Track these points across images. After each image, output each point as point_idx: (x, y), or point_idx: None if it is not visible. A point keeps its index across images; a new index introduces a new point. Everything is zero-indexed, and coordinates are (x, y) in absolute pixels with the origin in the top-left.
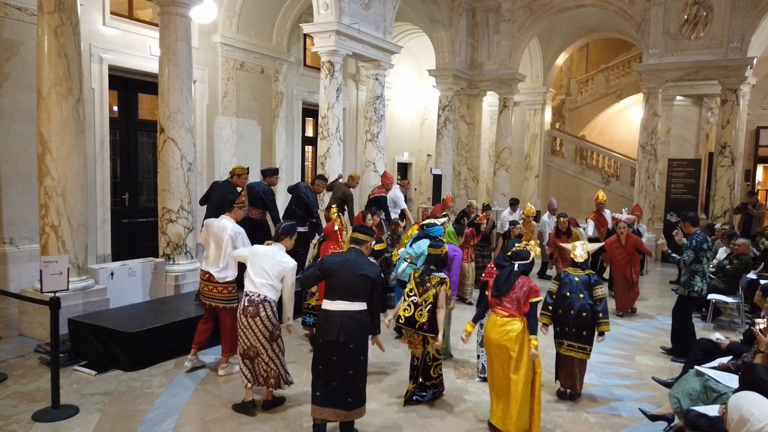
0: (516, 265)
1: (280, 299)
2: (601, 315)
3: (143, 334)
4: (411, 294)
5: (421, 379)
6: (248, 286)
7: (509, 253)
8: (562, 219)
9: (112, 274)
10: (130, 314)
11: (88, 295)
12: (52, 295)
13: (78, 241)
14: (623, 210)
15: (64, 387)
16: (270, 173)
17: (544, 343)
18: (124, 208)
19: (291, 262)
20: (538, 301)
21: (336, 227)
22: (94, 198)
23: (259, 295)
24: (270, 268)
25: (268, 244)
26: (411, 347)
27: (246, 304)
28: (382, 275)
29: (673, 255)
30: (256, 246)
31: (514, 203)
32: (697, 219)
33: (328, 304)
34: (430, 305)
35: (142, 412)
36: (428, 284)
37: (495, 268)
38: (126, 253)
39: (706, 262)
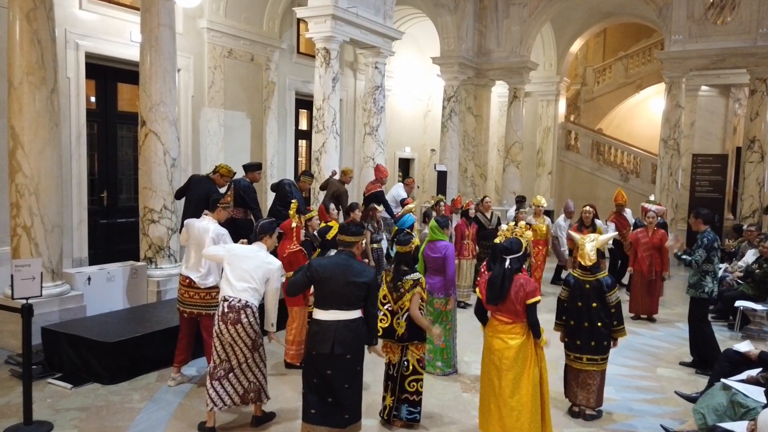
0: (507, 262)
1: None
2: (616, 323)
3: (123, 344)
4: (385, 301)
5: (405, 395)
6: (226, 291)
7: (497, 240)
8: (588, 208)
9: (89, 279)
10: (109, 323)
11: (64, 302)
12: (24, 301)
13: (52, 244)
14: (651, 197)
15: (37, 402)
16: (252, 168)
17: (557, 354)
18: (103, 208)
19: (276, 263)
20: (535, 302)
21: (293, 224)
22: (70, 197)
23: (239, 300)
24: (253, 270)
25: (243, 243)
26: (388, 352)
27: (226, 310)
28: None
29: (684, 257)
30: (233, 245)
31: (520, 201)
32: (710, 216)
33: (320, 314)
34: (407, 312)
35: (121, 429)
36: (402, 289)
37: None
38: (104, 256)
39: (717, 261)
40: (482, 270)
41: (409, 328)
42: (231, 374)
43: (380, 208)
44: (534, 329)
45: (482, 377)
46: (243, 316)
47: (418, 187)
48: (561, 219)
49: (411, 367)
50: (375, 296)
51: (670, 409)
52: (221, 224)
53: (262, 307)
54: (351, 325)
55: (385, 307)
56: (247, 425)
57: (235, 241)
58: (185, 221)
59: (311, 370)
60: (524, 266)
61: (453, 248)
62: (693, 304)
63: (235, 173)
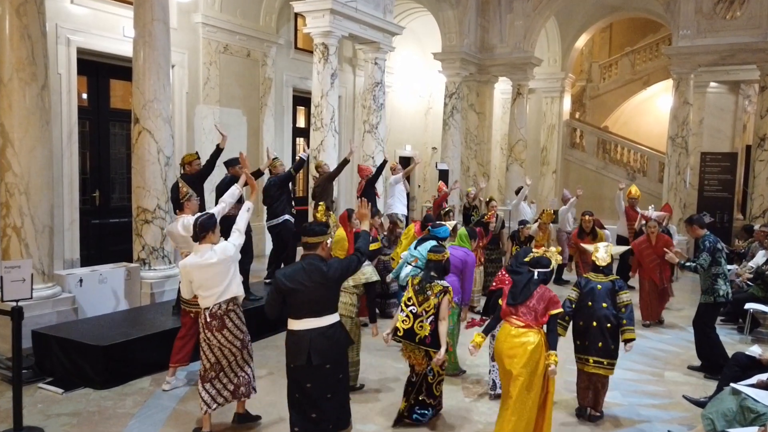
0: (536, 273)
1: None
2: (625, 322)
3: (116, 347)
4: (409, 303)
5: (422, 396)
6: (204, 303)
7: (527, 259)
8: (587, 217)
9: (81, 280)
10: (101, 326)
11: (55, 305)
12: (14, 304)
13: (43, 244)
14: (650, 207)
15: (27, 407)
16: (233, 163)
17: (562, 357)
18: (95, 208)
19: (229, 245)
20: (558, 314)
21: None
22: (61, 196)
23: (220, 306)
24: (214, 273)
25: (185, 255)
26: (411, 361)
27: (208, 319)
28: (378, 278)
29: (688, 264)
30: (180, 263)
31: (519, 191)
32: (703, 220)
33: (293, 324)
34: (431, 316)
35: None
36: (429, 293)
37: (507, 275)
38: (96, 257)
39: (725, 262)
40: (501, 272)
41: (432, 334)
42: (221, 373)
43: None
44: (551, 339)
45: (501, 379)
46: (227, 320)
47: (419, 185)
48: (563, 209)
49: (436, 373)
50: (345, 277)
51: (678, 414)
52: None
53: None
54: (327, 332)
55: (409, 308)
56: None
57: (226, 236)
58: (165, 230)
59: (292, 385)
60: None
61: (474, 257)
62: (702, 308)
63: (197, 153)
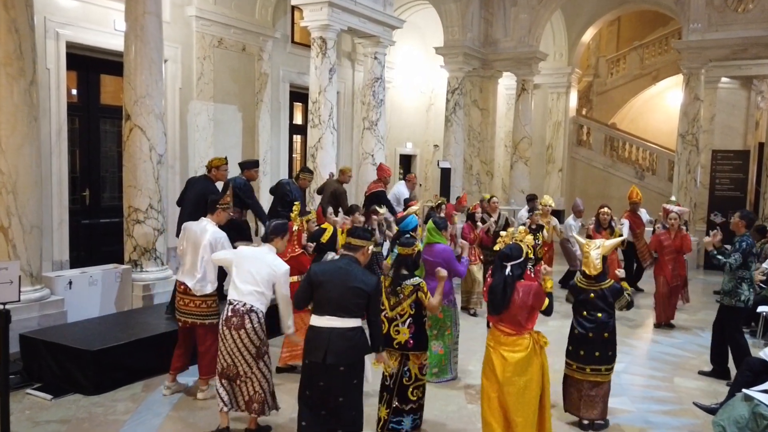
0: (508, 269)
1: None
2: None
3: (106, 352)
4: (382, 307)
5: (396, 403)
6: (232, 294)
7: (495, 248)
8: (605, 209)
9: (70, 283)
10: (92, 329)
11: (43, 308)
12: (1, 307)
13: (31, 245)
14: (672, 197)
15: (14, 413)
16: (249, 166)
17: (550, 360)
18: (85, 207)
19: (283, 266)
20: (546, 308)
21: (295, 227)
22: (50, 195)
23: (244, 304)
24: (257, 272)
25: (246, 245)
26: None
27: (230, 314)
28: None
29: (719, 256)
30: (241, 248)
31: (532, 200)
32: (754, 219)
33: (315, 320)
34: (409, 318)
35: None
36: (401, 295)
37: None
38: (86, 258)
39: (754, 268)
40: (488, 276)
41: (415, 336)
42: (238, 380)
43: (382, 210)
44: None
45: (482, 394)
46: (247, 321)
47: (420, 185)
48: (570, 219)
49: (413, 376)
50: (377, 305)
51: (688, 421)
52: (222, 227)
53: (269, 312)
54: (347, 334)
55: (382, 313)
56: None
57: (233, 241)
58: (183, 224)
59: (305, 381)
60: (529, 269)
61: (451, 250)
62: (726, 312)
63: (226, 158)
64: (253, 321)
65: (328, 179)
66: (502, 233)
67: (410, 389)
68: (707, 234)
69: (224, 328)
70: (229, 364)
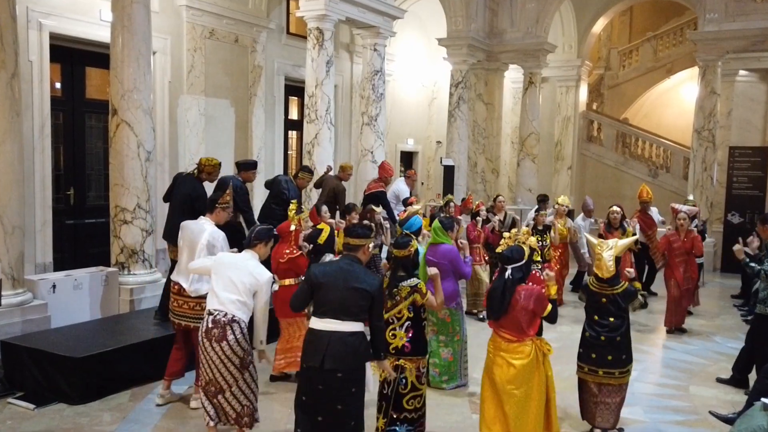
0: (509, 272)
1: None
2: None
3: (92, 359)
4: None
5: (391, 412)
6: (212, 303)
7: (498, 250)
8: (615, 208)
9: (54, 286)
10: (76, 335)
11: (25, 313)
12: None
13: (13, 247)
14: (689, 196)
15: None
16: (247, 167)
17: (557, 368)
18: (69, 207)
19: (266, 274)
20: (549, 314)
21: (292, 227)
22: (33, 194)
23: (225, 314)
24: (240, 281)
25: (233, 252)
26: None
27: (210, 325)
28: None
29: (752, 264)
30: (220, 254)
31: (542, 200)
32: None
33: (315, 323)
34: (407, 322)
35: None
36: (397, 297)
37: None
38: (71, 261)
39: None
40: (493, 279)
41: (413, 341)
42: (220, 396)
43: (378, 209)
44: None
45: (481, 402)
46: (229, 332)
47: (422, 183)
48: (579, 219)
49: (410, 384)
50: (380, 307)
51: (703, 431)
52: (221, 227)
53: (251, 323)
54: (347, 339)
55: None
56: None
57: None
58: (181, 223)
59: (302, 386)
60: (537, 269)
61: (456, 250)
62: (761, 321)
63: (219, 163)
64: (236, 332)
65: (326, 174)
66: (506, 234)
67: (406, 398)
68: (725, 234)
69: (204, 340)
70: (212, 379)
